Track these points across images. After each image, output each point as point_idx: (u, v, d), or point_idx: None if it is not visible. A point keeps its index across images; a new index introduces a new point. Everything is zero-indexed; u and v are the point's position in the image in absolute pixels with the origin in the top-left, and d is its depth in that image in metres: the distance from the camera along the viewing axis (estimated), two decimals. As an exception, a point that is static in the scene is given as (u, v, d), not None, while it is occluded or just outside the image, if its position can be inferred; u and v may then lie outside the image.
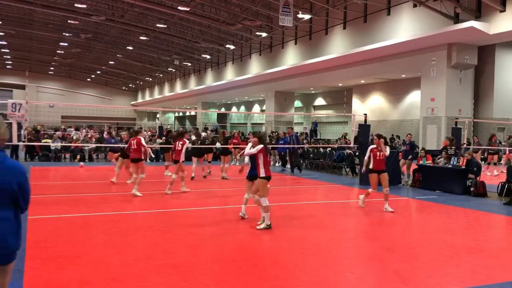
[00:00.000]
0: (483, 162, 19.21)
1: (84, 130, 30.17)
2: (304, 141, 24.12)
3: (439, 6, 20.47)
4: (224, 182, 13.88)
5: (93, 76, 66.55)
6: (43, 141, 21.33)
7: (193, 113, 60.64)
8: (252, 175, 7.81)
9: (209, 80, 47.65)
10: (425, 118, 23.67)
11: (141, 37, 40.58)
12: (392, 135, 28.11)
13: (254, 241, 6.54)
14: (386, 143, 9.66)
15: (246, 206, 8.06)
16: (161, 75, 61.12)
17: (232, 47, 39.15)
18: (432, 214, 9.21)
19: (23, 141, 18.60)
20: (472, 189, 11.65)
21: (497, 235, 7.97)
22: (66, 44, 46.47)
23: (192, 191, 11.43)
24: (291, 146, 16.69)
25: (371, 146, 9.52)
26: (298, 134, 27.96)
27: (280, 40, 34.52)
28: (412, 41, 22.36)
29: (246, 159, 8.00)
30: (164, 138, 25.21)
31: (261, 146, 7.47)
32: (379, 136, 9.54)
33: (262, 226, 7.20)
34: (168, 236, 6.64)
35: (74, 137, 22.15)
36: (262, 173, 7.39)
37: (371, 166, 9.36)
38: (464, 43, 21.87)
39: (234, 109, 54.98)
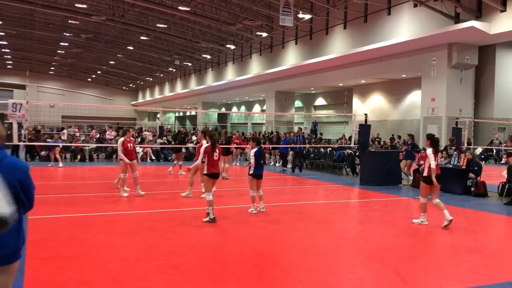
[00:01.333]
0: (483, 162, 19.20)
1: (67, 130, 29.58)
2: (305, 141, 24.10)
3: (440, 6, 20.46)
4: (224, 182, 13.88)
5: (93, 76, 66.57)
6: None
7: (193, 113, 60.66)
8: (257, 174, 8.40)
9: (210, 80, 47.65)
10: (425, 118, 23.66)
11: (142, 37, 40.59)
12: (392, 135, 28.09)
13: (254, 241, 6.54)
14: (435, 145, 7.84)
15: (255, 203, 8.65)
16: (161, 75, 61.14)
17: (232, 47, 39.15)
18: (432, 214, 9.19)
19: (23, 141, 18.61)
20: (472, 189, 11.64)
21: (497, 235, 7.96)
22: (66, 44, 46.49)
23: (192, 191, 11.42)
24: (297, 146, 16.69)
25: (430, 149, 7.81)
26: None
27: (280, 40, 34.51)
28: (413, 41, 22.36)
29: (252, 160, 8.35)
30: (164, 138, 25.26)
31: (206, 145, 7.83)
32: (428, 137, 8.05)
33: (206, 219, 7.61)
34: (168, 236, 6.64)
35: (62, 138, 22.09)
36: (204, 170, 7.67)
37: (425, 174, 7.81)
38: (464, 43, 21.86)
39: (234, 109, 54.98)
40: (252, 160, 8.32)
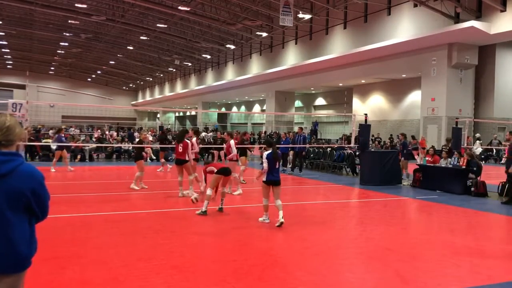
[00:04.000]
0: (483, 162, 19.20)
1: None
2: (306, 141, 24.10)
3: (440, 6, 20.47)
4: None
5: (93, 76, 66.58)
6: (43, 141, 21.34)
7: (193, 113, 60.69)
8: (271, 180, 7.47)
9: (210, 80, 47.66)
10: (425, 118, 23.67)
11: (142, 37, 40.59)
12: (391, 135, 28.10)
13: (254, 241, 6.54)
14: None
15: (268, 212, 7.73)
16: (161, 75, 61.15)
17: (232, 47, 39.15)
18: (432, 214, 9.20)
19: (23, 141, 18.59)
20: (472, 189, 11.64)
21: (497, 235, 7.96)
22: (66, 44, 46.50)
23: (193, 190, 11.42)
24: (297, 146, 16.70)
25: None
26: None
27: (280, 40, 34.52)
28: (413, 41, 22.36)
29: (265, 164, 7.45)
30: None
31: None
32: None
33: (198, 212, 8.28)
34: (168, 236, 6.64)
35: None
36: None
37: None
38: (464, 43, 21.86)
39: (234, 109, 54.99)
40: (265, 165, 7.42)
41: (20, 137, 2.58)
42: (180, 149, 10.21)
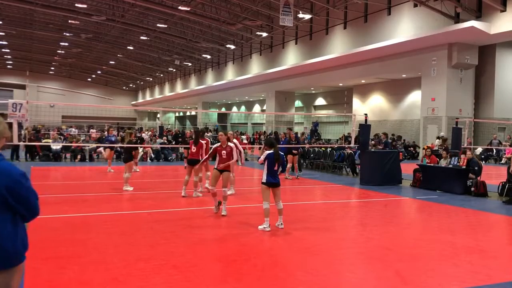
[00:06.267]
0: (483, 162, 19.20)
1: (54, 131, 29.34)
2: (305, 141, 24.10)
3: (440, 6, 20.46)
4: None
5: (93, 76, 66.57)
6: (43, 141, 21.35)
7: (193, 113, 60.69)
8: (270, 182, 7.16)
9: (210, 80, 47.66)
10: (425, 118, 23.65)
11: (142, 37, 40.59)
12: (393, 135, 28.06)
13: (254, 241, 6.54)
14: None
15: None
16: (161, 75, 61.14)
17: (232, 47, 39.15)
18: (432, 214, 9.20)
19: (23, 141, 18.64)
20: (472, 189, 11.64)
21: (497, 235, 7.96)
22: (66, 44, 46.49)
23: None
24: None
25: None
26: (299, 134, 27.93)
27: (280, 40, 34.51)
28: (413, 41, 22.35)
29: (262, 157, 7.28)
30: (164, 138, 25.25)
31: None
32: None
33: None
34: (168, 236, 6.64)
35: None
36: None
37: None
38: (464, 43, 21.85)
39: (234, 109, 54.98)
40: (262, 157, 7.24)
41: (3, 135, 2.55)
42: (194, 149, 10.46)
